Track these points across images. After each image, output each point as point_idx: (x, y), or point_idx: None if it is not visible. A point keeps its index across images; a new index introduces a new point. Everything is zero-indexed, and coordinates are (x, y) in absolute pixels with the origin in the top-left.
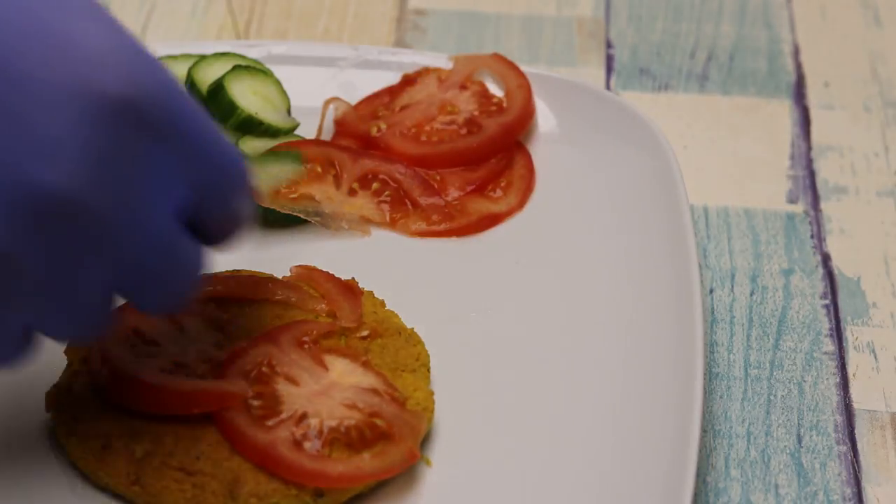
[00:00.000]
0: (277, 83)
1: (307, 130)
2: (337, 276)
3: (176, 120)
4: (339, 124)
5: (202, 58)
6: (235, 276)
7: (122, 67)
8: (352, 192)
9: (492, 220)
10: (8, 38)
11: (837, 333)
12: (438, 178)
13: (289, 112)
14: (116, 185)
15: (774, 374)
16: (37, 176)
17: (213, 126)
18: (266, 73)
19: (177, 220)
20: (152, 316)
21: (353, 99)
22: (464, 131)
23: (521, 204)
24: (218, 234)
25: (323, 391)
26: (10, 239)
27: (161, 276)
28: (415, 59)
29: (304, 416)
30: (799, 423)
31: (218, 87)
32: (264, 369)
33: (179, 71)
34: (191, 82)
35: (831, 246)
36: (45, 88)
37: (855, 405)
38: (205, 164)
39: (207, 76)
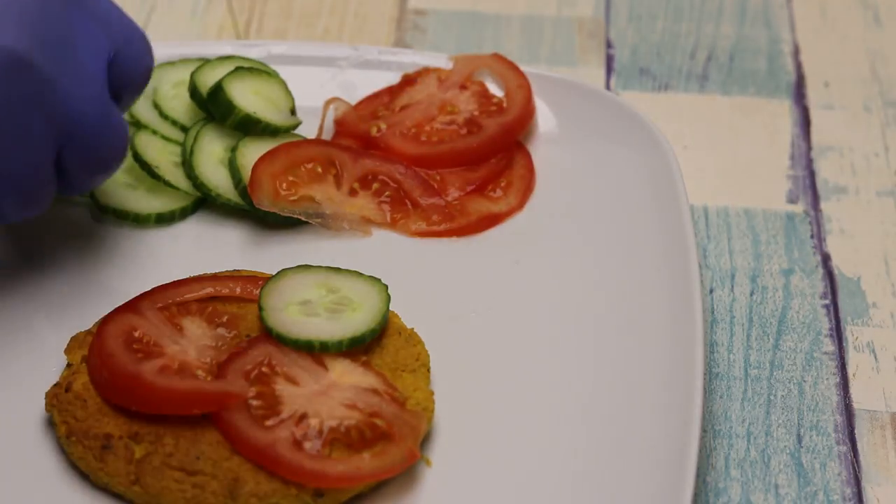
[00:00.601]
0: (282, 83)
1: (308, 130)
2: None
3: None
4: (340, 124)
5: (206, 62)
6: (235, 276)
7: None
8: (352, 193)
9: (492, 220)
10: None
11: (837, 333)
12: (438, 178)
13: (293, 112)
14: (55, 45)
15: (774, 374)
16: None
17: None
18: (270, 74)
19: (107, 83)
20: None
21: (353, 99)
22: (464, 131)
23: (521, 204)
24: (132, 91)
25: (323, 391)
26: None
27: (98, 133)
28: (415, 59)
29: (304, 417)
30: (799, 423)
31: (217, 89)
32: (264, 369)
33: (182, 75)
34: (193, 85)
35: (831, 246)
36: None
37: (855, 405)
38: (119, 25)
39: (209, 79)
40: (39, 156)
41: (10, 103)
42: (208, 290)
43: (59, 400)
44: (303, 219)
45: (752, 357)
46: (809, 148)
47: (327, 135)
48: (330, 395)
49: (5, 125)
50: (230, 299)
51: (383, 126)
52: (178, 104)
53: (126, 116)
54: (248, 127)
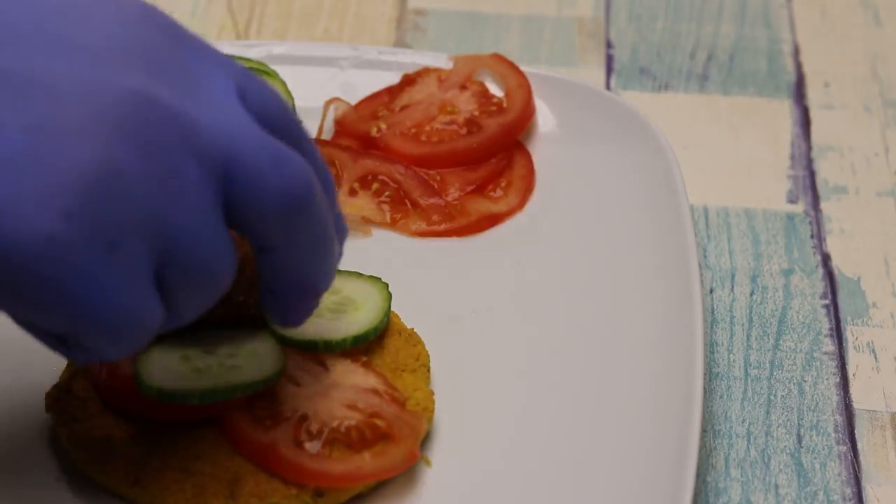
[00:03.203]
0: (282, 84)
1: (308, 130)
2: None
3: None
4: (339, 124)
5: None
6: None
7: None
8: (352, 193)
9: (492, 220)
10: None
11: (837, 333)
12: (438, 178)
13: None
14: (181, 82)
15: (774, 374)
16: None
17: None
18: (270, 74)
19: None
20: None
21: (353, 99)
22: (464, 131)
23: (521, 204)
24: (279, 126)
25: (323, 391)
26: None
27: (205, 258)
28: (415, 59)
29: (304, 417)
30: (799, 423)
31: None
32: None
33: None
34: None
35: (831, 246)
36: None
37: (855, 405)
38: (233, 64)
39: None
40: (201, 208)
41: (157, 150)
42: None
43: (59, 401)
44: None
45: (752, 357)
46: (809, 148)
47: (327, 135)
48: (330, 396)
49: (149, 177)
50: None
51: (383, 126)
52: None
53: None
54: None
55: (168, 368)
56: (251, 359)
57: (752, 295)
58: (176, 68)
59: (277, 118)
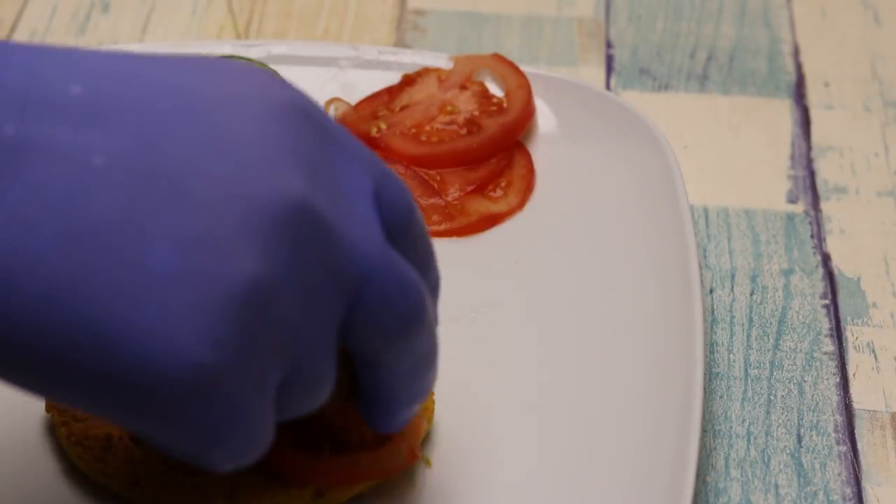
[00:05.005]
0: None
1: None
2: None
3: (335, 126)
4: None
5: None
6: None
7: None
8: None
9: (492, 220)
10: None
11: (837, 333)
12: (438, 178)
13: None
14: (328, 189)
15: (774, 374)
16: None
17: None
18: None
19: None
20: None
21: (353, 99)
22: (464, 131)
23: (521, 204)
24: (401, 232)
25: None
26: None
27: (388, 278)
28: (415, 59)
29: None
30: (799, 423)
31: None
32: None
33: None
34: None
35: (831, 246)
36: None
37: (855, 405)
38: (371, 159)
39: None
40: (326, 329)
41: (305, 267)
42: None
43: None
44: None
45: (752, 357)
46: (809, 148)
47: None
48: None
49: (294, 298)
50: None
51: (383, 126)
52: None
53: None
54: None
55: None
56: None
57: (752, 295)
58: (326, 171)
59: (404, 219)
